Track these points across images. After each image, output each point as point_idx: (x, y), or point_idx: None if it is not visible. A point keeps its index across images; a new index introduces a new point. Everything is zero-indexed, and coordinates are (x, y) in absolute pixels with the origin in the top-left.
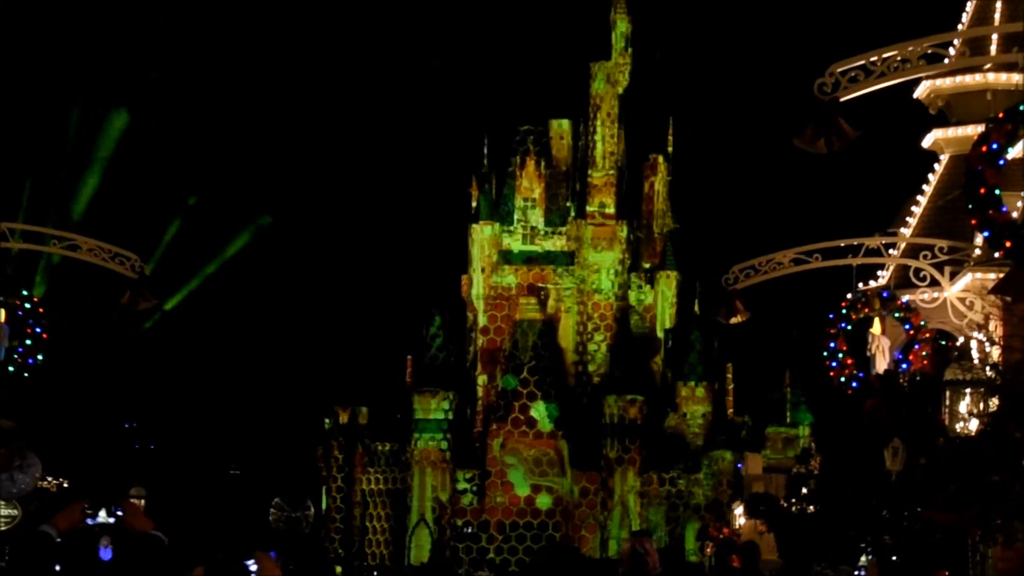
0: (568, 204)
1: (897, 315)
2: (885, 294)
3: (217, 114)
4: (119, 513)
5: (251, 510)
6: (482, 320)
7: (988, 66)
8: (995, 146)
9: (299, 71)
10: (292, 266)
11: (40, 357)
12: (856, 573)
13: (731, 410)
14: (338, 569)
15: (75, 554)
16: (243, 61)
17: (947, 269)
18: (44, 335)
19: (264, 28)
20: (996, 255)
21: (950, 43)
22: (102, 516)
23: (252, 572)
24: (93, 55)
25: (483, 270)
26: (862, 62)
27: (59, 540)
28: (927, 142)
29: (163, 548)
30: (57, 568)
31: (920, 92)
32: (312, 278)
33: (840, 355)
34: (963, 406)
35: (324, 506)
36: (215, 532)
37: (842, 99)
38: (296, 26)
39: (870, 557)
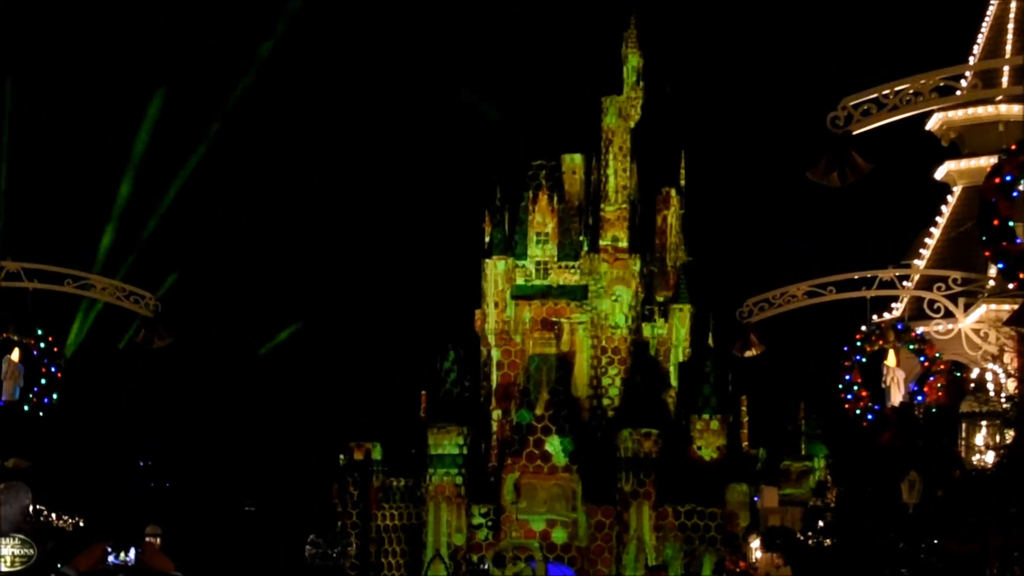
0: (581, 238)
1: (912, 347)
2: (899, 326)
3: (231, 146)
4: (138, 553)
5: (270, 547)
6: (496, 355)
7: (1000, 98)
8: (1008, 178)
9: (313, 105)
10: (306, 301)
11: (55, 396)
12: None
13: (746, 443)
14: None
15: None
16: (261, 91)
17: (961, 301)
18: (59, 374)
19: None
20: (1010, 286)
21: (962, 75)
22: (122, 556)
23: None
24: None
25: (496, 305)
26: (874, 95)
27: None
28: (940, 174)
29: None
30: None
31: (932, 124)
32: (325, 313)
33: (855, 387)
34: (979, 438)
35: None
36: (237, 570)
37: (855, 132)
38: (312, 54)
39: None
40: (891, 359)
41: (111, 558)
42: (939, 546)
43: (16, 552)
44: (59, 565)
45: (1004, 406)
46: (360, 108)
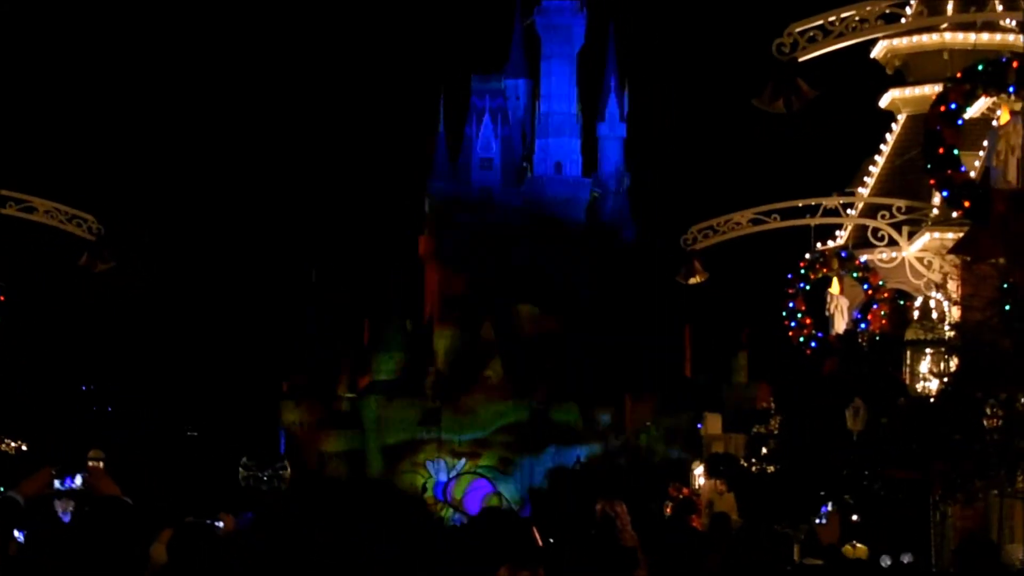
0: (525, 164)
1: (855, 275)
2: (843, 254)
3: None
4: (84, 477)
5: (214, 471)
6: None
7: (945, 25)
8: (953, 106)
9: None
10: (249, 230)
11: None
12: (817, 521)
13: (689, 370)
14: None
15: (39, 519)
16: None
17: (905, 229)
18: (1, 297)
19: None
20: (954, 215)
21: (907, 2)
22: (68, 482)
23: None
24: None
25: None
26: (820, 22)
27: (23, 506)
28: (884, 102)
29: (129, 511)
30: (20, 534)
31: (877, 52)
32: (273, 238)
33: (799, 315)
34: (924, 366)
35: None
36: (181, 494)
37: (801, 59)
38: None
39: (831, 507)
40: (835, 287)
41: (57, 483)
42: (883, 473)
43: None
44: (3, 489)
45: (948, 334)
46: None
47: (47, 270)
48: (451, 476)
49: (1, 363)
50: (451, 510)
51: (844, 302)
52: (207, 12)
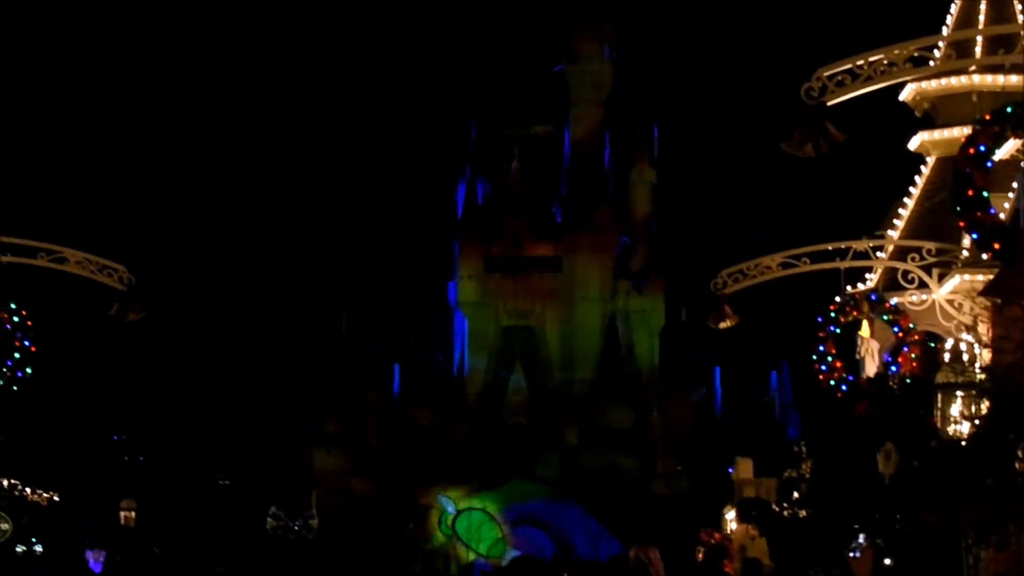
0: (554, 211)
1: (886, 318)
2: (873, 297)
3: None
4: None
5: (244, 521)
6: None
7: (973, 68)
8: (982, 148)
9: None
10: (279, 274)
11: (28, 370)
12: (851, 555)
13: (720, 414)
14: None
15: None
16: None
17: (935, 271)
18: (32, 348)
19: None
20: (984, 257)
21: (935, 46)
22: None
23: None
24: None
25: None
26: (848, 66)
27: None
28: (913, 144)
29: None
30: None
31: (906, 95)
32: (297, 286)
33: (829, 358)
34: (955, 409)
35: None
36: (212, 544)
37: (829, 103)
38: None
39: (863, 540)
40: (865, 330)
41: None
42: (915, 517)
43: None
44: (34, 541)
45: (979, 377)
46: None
47: (78, 320)
48: (459, 510)
49: (32, 413)
50: (466, 550)
51: (874, 345)
52: (254, 69)
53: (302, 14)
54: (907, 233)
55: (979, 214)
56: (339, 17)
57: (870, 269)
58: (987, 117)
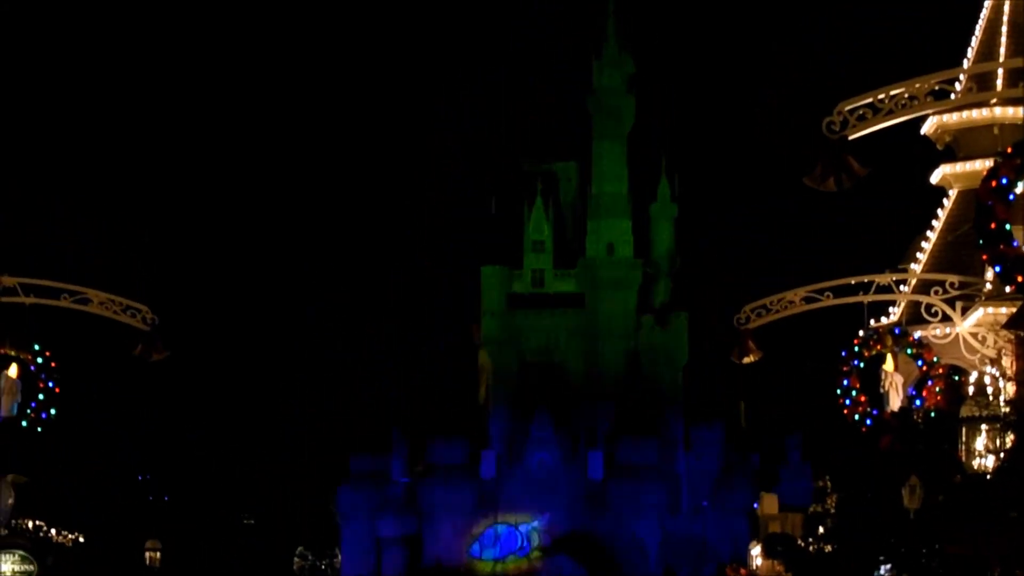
0: (576, 246)
1: (909, 351)
2: (897, 331)
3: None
4: None
5: (270, 560)
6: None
7: (995, 101)
8: (1004, 181)
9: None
10: (303, 314)
11: (53, 411)
12: None
13: (745, 449)
14: None
15: None
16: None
17: (959, 304)
18: (57, 389)
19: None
20: (1008, 289)
21: (956, 79)
22: None
23: None
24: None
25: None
26: (870, 100)
27: None
28: (935, 178)
29: None
30: None
31: (927, 128)
32: (324, 325)
33: (853, 392)
34: (979, 442)
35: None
36: None
37: (851, 137)
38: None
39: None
40: (889, 364)
41: None
42: (940, 550)
43: (16, 568)
44: None
45: (1003, 410)
46: (359, 115)
47: (102, 360)
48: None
49: (56, 454)
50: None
51: (899, 379)
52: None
53: (303, 20)
54: (930, 266)
55: (1002, 247)
56: (339, 17)
57: (893, 303)
58: (1008, 150)
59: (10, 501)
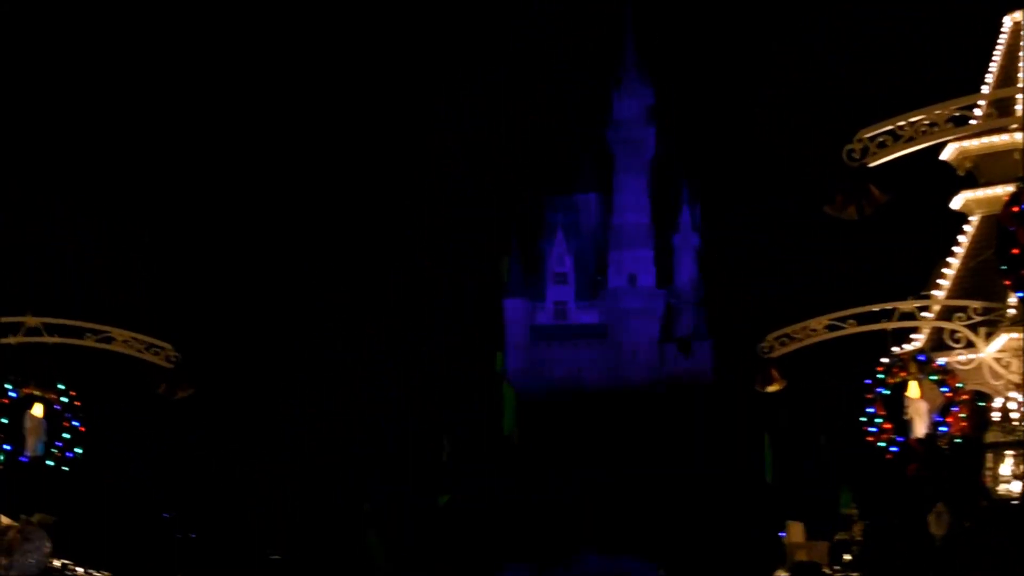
0: (599, 278)
1: (934, 378)
2: (921, 357)
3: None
4: None
5: None
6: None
7: (1015, 126)
8: None
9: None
10: (324, 348)
11: (79, 451)
12: None
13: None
14: None
15: None
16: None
17: (982, 330)
18: (82, 428)
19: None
20: None
21: (976, 105)
22: None
23: None
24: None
25: (516, 346)
26: (890, 127)
27: None
28: (956, 204)
29: None
30: None
31: (947, 154)
32: (345, 360)
33: (878, 420)
34: (1005, 468)
35: None
36: None
37: (871, 164)
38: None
39: None
40: (913, 390)
41: None
42: None
43: None
44: None
45: None
46: (378, 145)
47: (127, 399)
48: None
49: (83, 493)
50: None
51: (923, 406)
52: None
53: (304, 21)
54: (953, 292)
55: None
56: (339, 18)
57: (916, 329)
58: None
59: (46, 551)
